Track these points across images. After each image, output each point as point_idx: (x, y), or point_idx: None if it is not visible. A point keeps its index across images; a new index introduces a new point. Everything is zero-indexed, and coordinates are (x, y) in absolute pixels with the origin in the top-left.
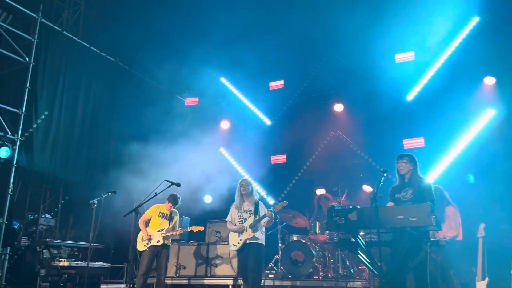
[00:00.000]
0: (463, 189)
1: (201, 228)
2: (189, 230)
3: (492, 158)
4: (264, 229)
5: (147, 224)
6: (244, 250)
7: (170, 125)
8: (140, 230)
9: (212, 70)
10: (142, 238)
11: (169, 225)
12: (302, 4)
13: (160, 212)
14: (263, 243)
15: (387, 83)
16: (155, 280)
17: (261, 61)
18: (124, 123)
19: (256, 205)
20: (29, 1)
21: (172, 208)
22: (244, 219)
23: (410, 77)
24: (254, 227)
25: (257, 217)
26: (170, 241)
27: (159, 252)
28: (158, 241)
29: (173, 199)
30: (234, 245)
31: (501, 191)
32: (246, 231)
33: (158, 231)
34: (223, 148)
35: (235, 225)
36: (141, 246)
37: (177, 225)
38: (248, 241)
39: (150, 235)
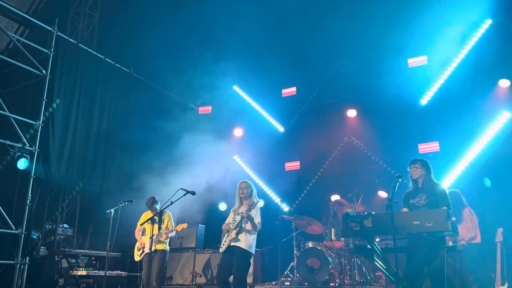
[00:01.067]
0: (479, 193)
1: (184, 226)
2: (174, 230)
3: (508, 161)
4: (252, 232)
5: (143, 233)
6: (228, 252)
7: (184, 134)
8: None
9: (225, 78)
10: (137, 248)
11: (159, 228)
12: (314, 10)
13: (148, 219)
14: (247, 248)
15: (400, 88)
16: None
17: (273, 68)
18: (138, 133)
19: (249, 208)
20: (45, 15)
21: (155, 210)
22: (235, 221)
23: (424, 81)
24: (237, 228)
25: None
26: (165, 245)
27: (154, 259)
28: (150, 248)
29: (148, 203)
30: (220, 246)
31: None
32: (231, 232)
33: (150, 237)
34: (237, 156)
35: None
36: (136, 257)
37: (171, 225)
38: (232, 244)
39: (143, 244)
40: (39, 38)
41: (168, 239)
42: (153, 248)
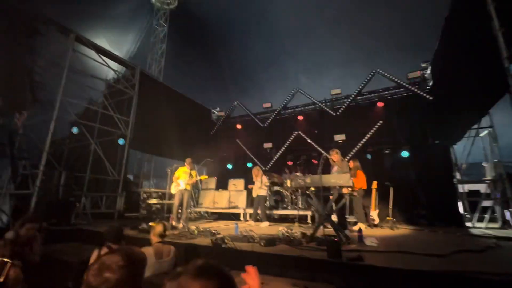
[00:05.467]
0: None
1: (206, 177)
2: (199, 178)
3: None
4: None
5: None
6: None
7: None
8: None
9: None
10: (174, 186)
11: (189, 177)
12: None
13: (184, 171)
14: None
15: None
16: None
17: None
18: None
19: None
20: (134, 59)
21: (189, 167)
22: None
23: None
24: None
25: None
26: (190, 187)
27: (183, 194)
28: (182, 187)
29: (192, 162)
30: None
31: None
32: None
33: (184, 180)
34: (238, 140)
35: None
36: (173, 190)
37: (195, 177)
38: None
39: (179, 183)
40: (130, 72)
41: (192, 184)
42: (183, 187)
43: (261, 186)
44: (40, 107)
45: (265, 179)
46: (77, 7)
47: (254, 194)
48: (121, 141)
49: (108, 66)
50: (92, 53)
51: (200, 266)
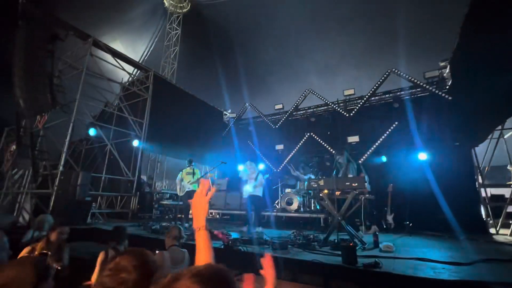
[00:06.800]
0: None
1: (210, 175)
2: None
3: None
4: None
5: (182, 180)
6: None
7: None
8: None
9: None
10: (180, 189)
11: (193, 177)
12: None
13: (187, 172)
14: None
15: None
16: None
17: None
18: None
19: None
20: (147, 62)
21: (191, 167)
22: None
23: None
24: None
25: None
26: (197, 187)
27: (190, 195)
28: (188, 188)
29: (188, 162)
30: None
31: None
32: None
33: (188, 182)
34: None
35: None
36: (180, 192)
37: (199, 176)
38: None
39: (183, 186)
40: (144, 75)
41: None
42: (191, 188)
43: (257, 186)
44: (59, 110)
45: (261, 178)
46: (94, 12)
47: (246, 194)
48: (135, 143)
49: (123, 69)
50: (108, 57)
51: (198, 269)
